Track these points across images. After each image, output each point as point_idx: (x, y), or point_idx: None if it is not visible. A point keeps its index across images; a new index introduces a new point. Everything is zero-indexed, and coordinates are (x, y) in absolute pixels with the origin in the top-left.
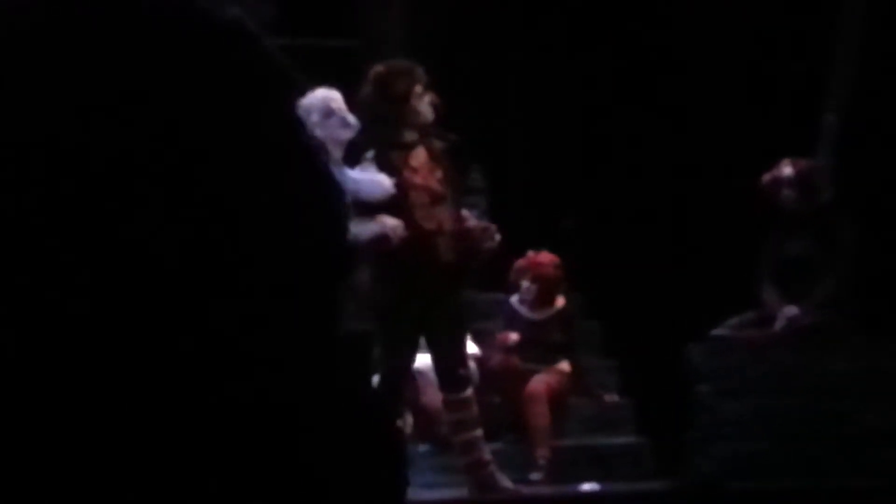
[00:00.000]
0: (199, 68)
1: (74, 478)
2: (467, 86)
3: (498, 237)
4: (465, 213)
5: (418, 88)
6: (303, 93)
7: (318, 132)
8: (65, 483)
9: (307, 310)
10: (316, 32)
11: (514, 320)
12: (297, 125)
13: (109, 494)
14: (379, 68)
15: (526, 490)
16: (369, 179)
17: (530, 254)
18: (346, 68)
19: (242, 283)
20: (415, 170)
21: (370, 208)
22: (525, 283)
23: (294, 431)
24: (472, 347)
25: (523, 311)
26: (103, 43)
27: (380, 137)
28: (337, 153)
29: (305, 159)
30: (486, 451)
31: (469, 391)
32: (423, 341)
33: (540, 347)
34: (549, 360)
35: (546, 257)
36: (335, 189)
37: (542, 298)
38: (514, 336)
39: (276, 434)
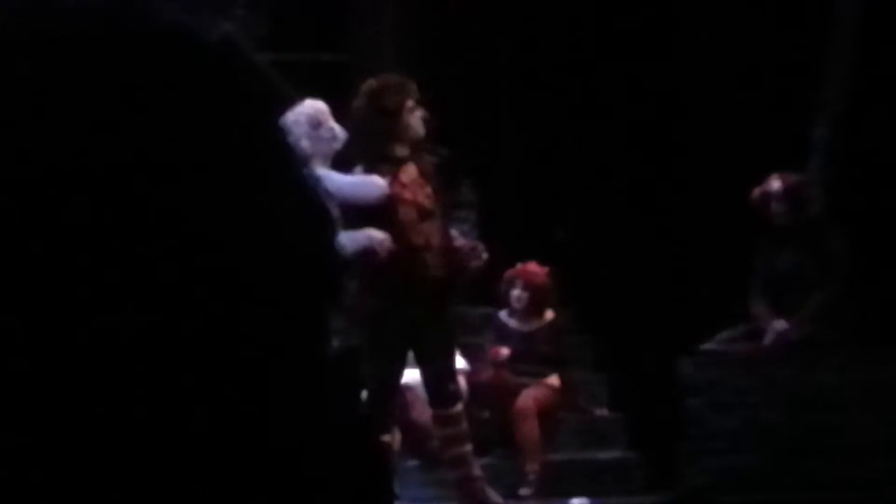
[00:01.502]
0: (186, 85)
1: (66, 481)
2: (458, 100)
3: (485, 256)
4: (453, 232)
5: (410, 103)
6: (291, 107)
7: (306, 143)
8: (56, 486)
9: (294, 326)
10: (307, 47)
11: (503, 334)
12: (284, 142)
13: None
14: (371, 82)
15: None
16: (363, 181)
17: (519, 265)
18: (338, 82)
19: (227, 299)
20: (404, 185)
21: (357, 221)
22: (516, 292)
23: (280, 447)
24: (461, 362)
25: (512, 323)
26: (88, 60)
27: (370, 151)
28: (324, 164)
29: (292, 176)
30: (477, 467)
31: (459, 406)
32: (412, 356)
33: (530, 360)
34: (539, 373)
35: (536, 266)
36: (323, 206)
37: (533, 308)
38: (504, 351)
39: (262, 450)
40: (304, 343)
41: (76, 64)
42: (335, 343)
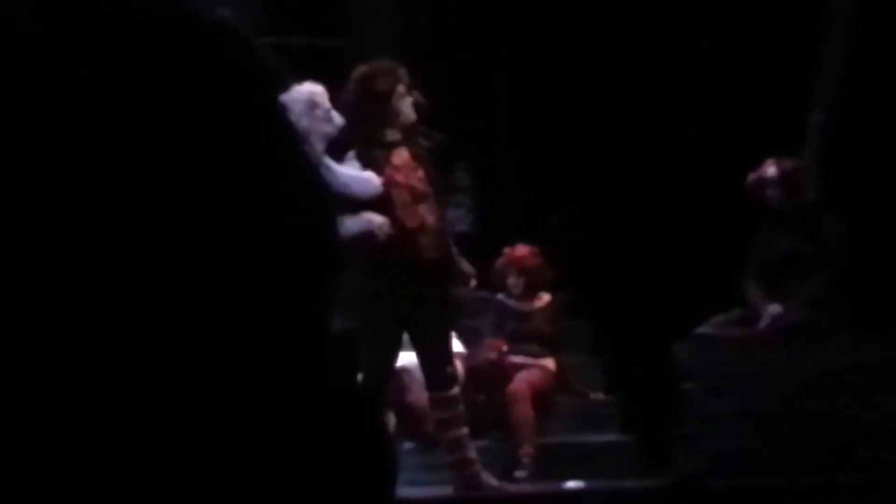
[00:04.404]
0: (186, 68)
1: (68, 476)
2: (455, 84)
3: (474, 283)
4: (452, 248)
5: (400, 88)
6: (288, 89)
7: (302, 124)
8: (60, 482)
9: (300, 308)
10: (305, 32)
11: (504, 315)
12: (286, 124)
13: (102, 494)
14: (361, 68)
15: (511, 488)
16: (359, 177)
17: (507, 250)
18: (335, 68)
19: (234, 282)
20: (397, 168)
21: (355, 205)
22: (511, 279)
23: (285, 429)
24: (457, 345)
25: (512, 303)
26: (89, 44)
27: (362, 136)
28: (319, 147)
29: (295, 158)
30: (472, 450)
31: (455, 389)
32: (408, 339)
33: (529, 339)
34: (537, 353)
35: (523, 249)
36: (325, 187)
37: (529, 290)
38: (500, 347)
39: (267, 432)
40: (309, 326)
41: (77, 48)
42: (334, 325)
